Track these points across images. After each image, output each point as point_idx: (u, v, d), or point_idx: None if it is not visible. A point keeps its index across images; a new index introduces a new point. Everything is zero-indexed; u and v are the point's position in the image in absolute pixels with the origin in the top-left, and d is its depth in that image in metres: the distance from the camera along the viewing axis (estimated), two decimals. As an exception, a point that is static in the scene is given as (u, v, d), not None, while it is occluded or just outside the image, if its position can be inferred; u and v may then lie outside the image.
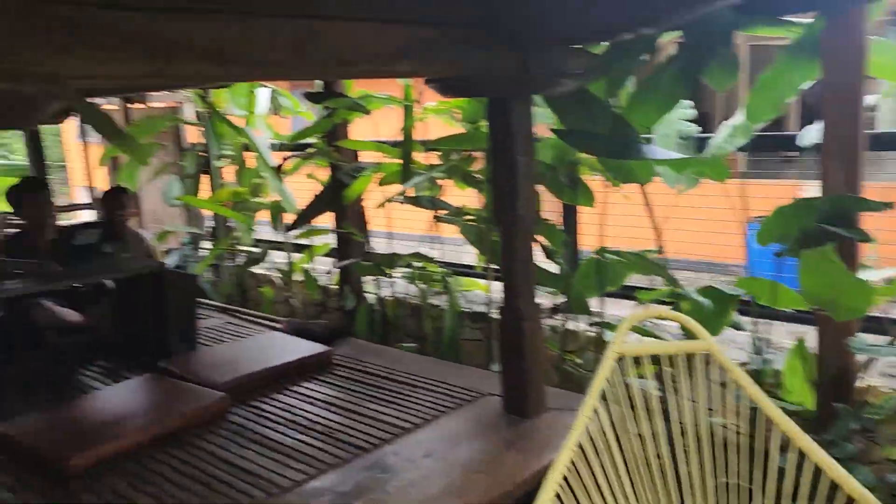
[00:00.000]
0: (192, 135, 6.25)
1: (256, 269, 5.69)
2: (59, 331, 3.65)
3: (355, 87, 4.43)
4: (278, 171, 4.17)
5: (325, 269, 4.95)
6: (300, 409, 2.84)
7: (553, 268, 3.59)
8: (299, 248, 5.18)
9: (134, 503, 2.20)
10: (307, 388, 3.05)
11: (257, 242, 5.58)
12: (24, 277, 3.25)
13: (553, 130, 2.90)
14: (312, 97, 4.21)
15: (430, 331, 4.40)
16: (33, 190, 3.72)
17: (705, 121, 4.81)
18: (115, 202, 4.24)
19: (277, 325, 3.83)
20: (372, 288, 4.57)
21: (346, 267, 4.46)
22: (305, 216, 3.68)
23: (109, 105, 6.47)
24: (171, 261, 5.58)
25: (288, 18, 1.79)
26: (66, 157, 13.10)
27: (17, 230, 3.85)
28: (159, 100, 6.20)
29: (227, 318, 4.18)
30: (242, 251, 5.52)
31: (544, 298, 4.12)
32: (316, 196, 3.82)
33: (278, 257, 5.42)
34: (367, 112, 4.01)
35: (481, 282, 4.21)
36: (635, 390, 1.99)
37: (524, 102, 2.50)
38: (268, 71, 1.75)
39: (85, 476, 2.35)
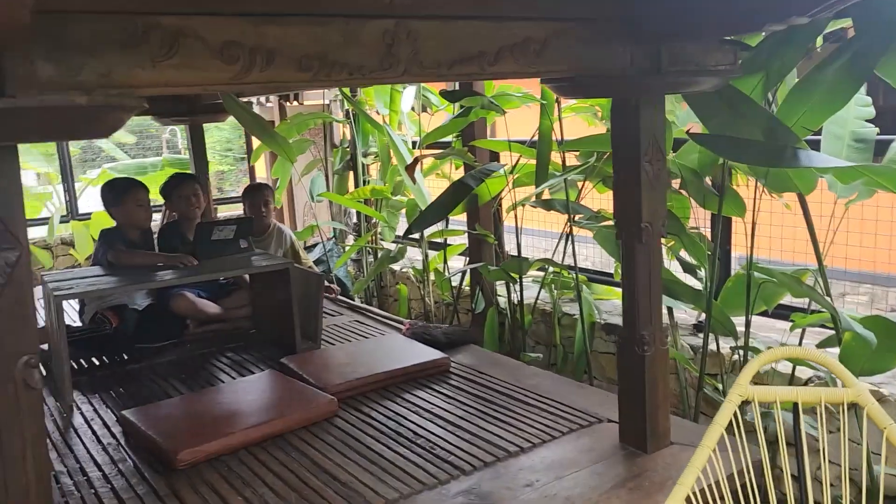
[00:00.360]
0: (344, 132, 6.41)
1: (396, 266, 5.74)
2: (197, 321, 3.83)
3: (496, 85, 4.31)
4: (411, 168, 4.11)
5: (458, 270, 4.87)
6: (406, 419, 2.75)
7: (696, 283, 3.26)
8: (438, 246, 5.14)
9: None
10: (418, 396, 2.96)
11: (398, 239, 5.61)
12: (168, 269, 3.43)
13: (691, 136, 2.60)
14: (448, 95, 4.12)
15: (560, 341, 4.19)
16: (182, 184, 3.92)
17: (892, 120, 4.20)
18: (257, 197, 4.40)
19: (401, 327, 3.79)
20: (504, 291, 4.43)
21: (476, 270, 4.35)
22: (420, 222, 3.59)
23: (267, 104, 6.76)
24: (313, 255, 5.74)
25: (382, 19, 1.68)
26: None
27: (171, 222, 4.08)
28: (314, 98, 6.40)
29: (357, 317, 4.20)
30: (382, 248, 5.58)
31: (686, 314, 3.79)
32: (435, 200, 3.72)
33: (417, 255, 5.42)
34: (502, 111, 3.85)
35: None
36: (762, 439, 1.70)
37: (654, 103, 2.23)
38: (364, 74, 1.65)
39: (190, 471, 2.40)
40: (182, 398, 2.96)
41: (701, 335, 3.47)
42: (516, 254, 4.25)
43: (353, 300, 5.61)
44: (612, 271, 4.36)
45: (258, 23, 1.52)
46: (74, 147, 15.30)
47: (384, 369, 3.12)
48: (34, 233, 7.13)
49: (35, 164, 8.04)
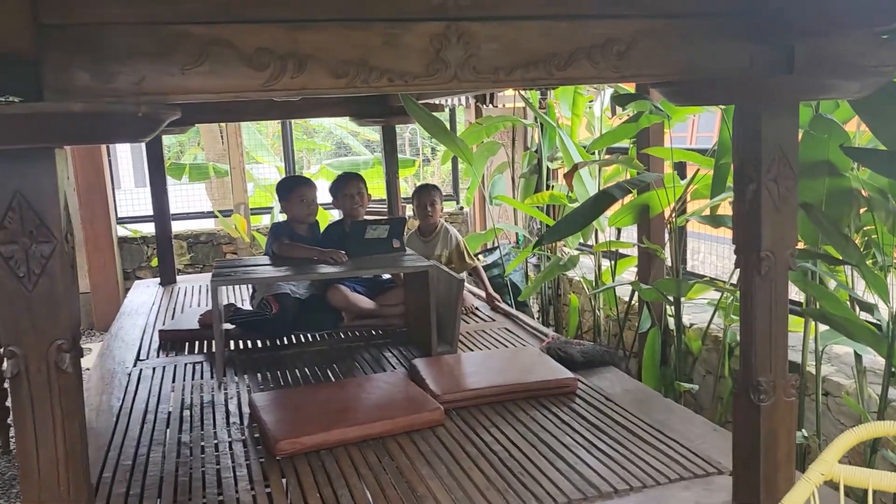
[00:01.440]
0: (534, 135, 6.33)
1: (571, 274, 5.55)
2: (351, 314, 3.99)
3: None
4: (569, 175, 3.92)
5: (620, 284, 4.57)
6: (508, 439, 2.62)
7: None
8: (615, 257, 4.88)
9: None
10: (530, 416, 2.81)
11: (581, 246, 5.42)
12: (320, 262, 3.62)
13: (846, 150, 2.17)
14: (617, 99, 3.87)
15: (730, 373, 3.74)
16: (347, 183, 4.11)
17: None
18: (424, 197, 4.48)
19: (544, 339, 3.64)
20: (674, 310, 4.07)
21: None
22: (554, 232, 3.38)
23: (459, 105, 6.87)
24: (491, 258, 5.73)
25: (430, 21, 1.60)
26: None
27: (337, 220, 4.30)
28: (508, 100, 6.39)
29: (508, 323, 4.12)
30: (554, 255, 5.42)
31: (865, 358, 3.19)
32: (574, 210, 3.49)
33: (592, 265, 5.19)
34: (668, 117, 3.53)
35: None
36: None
37: (782, 109, 1.89)
38: (406, 81, 1.58)
39: (285, 460, 2.50)
40: (306, 388, 3.10)
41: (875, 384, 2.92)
42: (690, 270, 3.89)
43: (526, 304, 5.52)
44: (800, 299, 3.82)
45: (292, 29, 1.52)
46: (325, 143, 16.80)
47: (503, 382, 3.01)
48: (266, 220, 7.98)
49: (269, 159, 8.96)
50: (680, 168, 4.25)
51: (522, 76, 1.66)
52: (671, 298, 3.60)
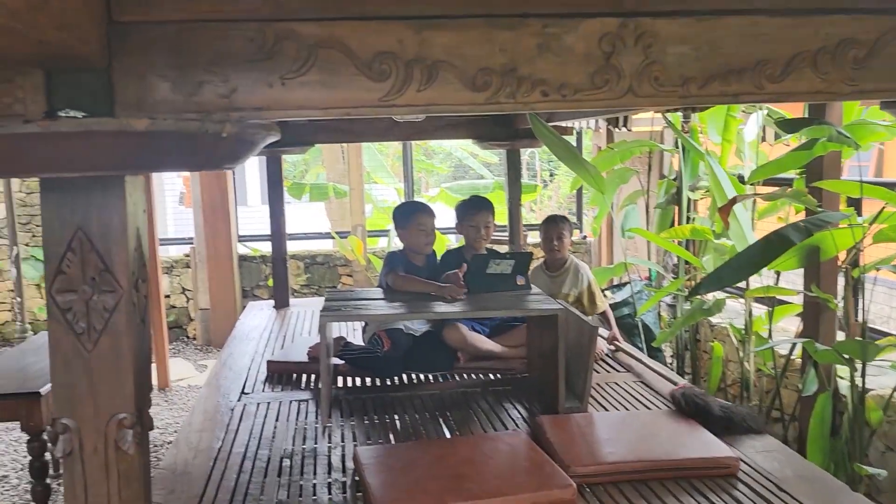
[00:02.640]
0: (672, 162, 5.78)
1: (714, 320, 4.95)
2: (468, 354, 3.63)
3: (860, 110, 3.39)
4: (724, 210, 3.40)
5: (785, 339, 3.96)
6: (655, 533, 2.16)
7: None
8: (772, 303, 4.26)
9: None
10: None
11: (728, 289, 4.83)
12: (442, 300, 3.29)
13: None
14: (786, 124, 3.33)
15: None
16: (477, 214, 3.77)
17: None
18: (551, 230, 4.08)
19: (674, 387, 3.13)
20: (848, 373, 3.45)
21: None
22: (714, 280, 2.86)
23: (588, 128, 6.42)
24: (620, 295, 5.23)
25: (600, 17, 1.22)
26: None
27: (455, 248, 3.96)
28: (643, 124, 5.89)
29: (636, 373, 3.62)
30: (699, 298, 4.84)
31: None
32: (739, 254, 2.97)
33: (740, 309, 4.59)
34: (856, 146, 2.96)
35: None
36: None
37: None
38: (565, 96, 1.21)
39: (390, 537, 2.15)
40: (416, 445, 2.75)
41: None
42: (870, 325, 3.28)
43: (660, 350, 4.98)
44: None
45: (421, 27, 1.18)
46: (444, 166, 16.71)
47: (649, 457, 2.54)
48: (383, 242, 7.82)
49: (388, 181, 8.84)
50: (855, 205, 3.63)
51: (721, 90, 1.25)
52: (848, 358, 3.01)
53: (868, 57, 1.27)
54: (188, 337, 7.62)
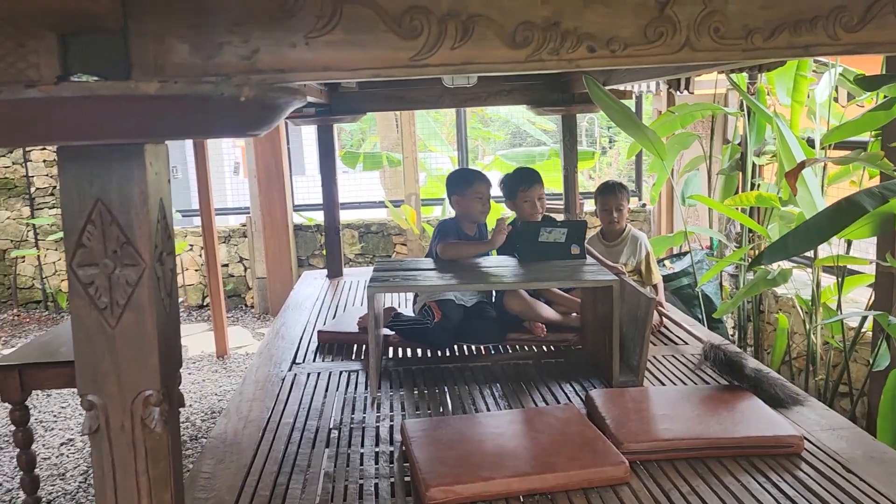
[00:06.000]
0: (737, 126, 5.51)
1: (779, 290, 4.74)
2: (531, 320, 3.55)
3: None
4: (791, 174, 3.19)
5: (855, 312, 3.75)
6: (712, 516, 2.06)
7: None
8: (841, 273, 4.04)
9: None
10: (740, 484, 2.21)
11: (795, 258, 4.60)
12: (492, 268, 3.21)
13: None
14: (864, 82, 3.09)
15: None
16: (530, 187, 3.65)
17: None
18: (609, 199, 3.93)
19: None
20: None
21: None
22: (777, 250, 2.68)
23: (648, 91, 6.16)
24: (679, 265, 5.05)
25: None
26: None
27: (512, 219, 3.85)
28: (705, 86, 5.62)
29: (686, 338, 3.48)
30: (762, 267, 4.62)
31: None
32: (806, 221, 2.77)
33: (807, 279, 4.37)
34: (941, 103, 2.73)
35: None
36: None
37: None
38: (614, 51, 1.10)
39: (436, 513, 2.11)
40: (466, 419, 2.69)
41: None
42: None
43: (721, 322, 4.81)
44: None
45: (456, -22, 1.08)
46: (501, 133, 16.50)
47: (706, 434, 2.43)
48: (438, 211, 7.76)
49: (442, 149, 8.74)
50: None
51: (790, 41, 1.11)
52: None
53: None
54: (246, 305, 7.74)
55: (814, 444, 2.45)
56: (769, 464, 2.33)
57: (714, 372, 3.01)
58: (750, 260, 4.52)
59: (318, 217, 7.69)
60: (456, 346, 3.56)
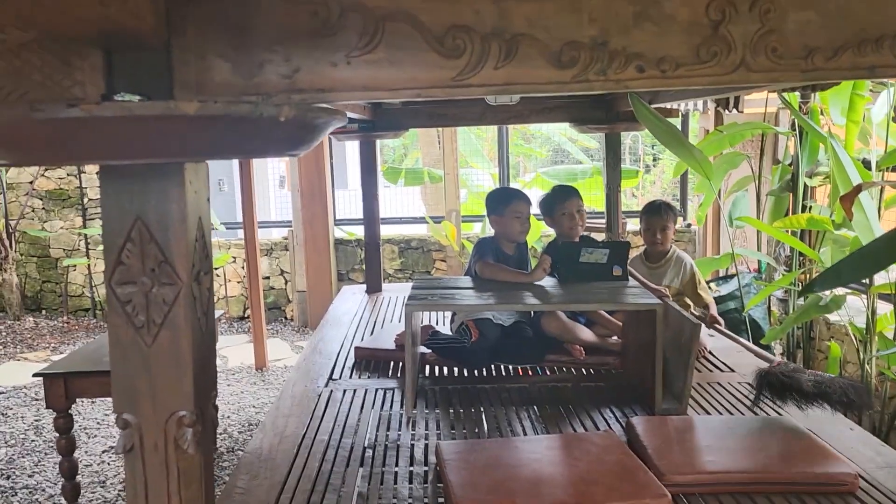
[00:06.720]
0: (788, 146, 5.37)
1: (831, 317, 4.58)
2: (570, 343, 3.49)
3: None
4: (847, 198, 3.08)
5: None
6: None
7: None
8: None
9: None
10: (790, 522, 2.12)
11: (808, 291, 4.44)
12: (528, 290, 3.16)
13: None
14: (923, 102, 2.98)
15: None
16: (567, 200, 3.61)
17: None
18: (654, 220, 3.85)
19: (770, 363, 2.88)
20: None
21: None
22: (830, 278, 2.57)
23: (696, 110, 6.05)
24: (726, 288, 4.92)
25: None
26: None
27: (550, 242, 3.79)
28: (755, 105, 5.49)
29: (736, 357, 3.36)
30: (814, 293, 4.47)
31: None
32: (861, 248, 2.66)
33: (861, 306, 4.21)
34: None
35: None
36: None
37: None
38: (664, 72, 1.06)
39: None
40: (499, 443, 2.64)
41: None
42: None
43: (769, 348, 4.66)
44: None
45: (501, -3, 1.05)
46: (542, 150, 16.43)
47: (754, 469, 2.33)
48: (478, 228, 7.74)
49: (483, 165, 8.72)
50: None
51: (853, 62, 1.06)
52: None
53: None
54: (286, 318, 7.80)
55: (869, 483, 2.34)
56: (821, 502, 2.23)
57: (769, 401, 2.88)
58: (800, 284, 4.38)
59: (359, 231, 7.73)
60: (493, 367, 3.52)
